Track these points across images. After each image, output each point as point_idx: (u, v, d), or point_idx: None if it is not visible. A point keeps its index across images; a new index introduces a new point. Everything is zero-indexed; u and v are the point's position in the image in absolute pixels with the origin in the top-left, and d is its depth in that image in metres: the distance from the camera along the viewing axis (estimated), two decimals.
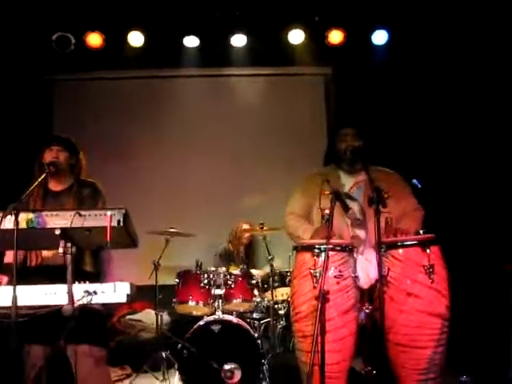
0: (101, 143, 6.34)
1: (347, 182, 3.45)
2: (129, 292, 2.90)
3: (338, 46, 6.25)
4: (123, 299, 2.88)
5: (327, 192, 3.07)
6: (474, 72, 5.87)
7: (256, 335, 4.83)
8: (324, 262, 2.74)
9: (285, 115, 6.66)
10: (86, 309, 2.81)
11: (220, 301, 4.78)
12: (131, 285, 2.95)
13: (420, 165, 5.64)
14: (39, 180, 3.19)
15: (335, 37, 6.17)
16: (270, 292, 4.99)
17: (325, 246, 2.81)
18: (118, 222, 2.77)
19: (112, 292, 2.85)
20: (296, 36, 6.21)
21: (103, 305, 3.02)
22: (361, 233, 3.27)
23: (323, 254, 2.85)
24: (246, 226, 5.81)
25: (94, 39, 6.09)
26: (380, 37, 6.26)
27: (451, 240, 4.80)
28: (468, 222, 5.44)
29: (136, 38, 6.19)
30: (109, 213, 2.76)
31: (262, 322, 5.19)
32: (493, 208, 4.66)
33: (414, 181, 4.50)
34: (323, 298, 2.65)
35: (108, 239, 2.72)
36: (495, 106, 5.78)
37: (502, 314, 4.60)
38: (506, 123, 5.63)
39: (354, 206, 3.28)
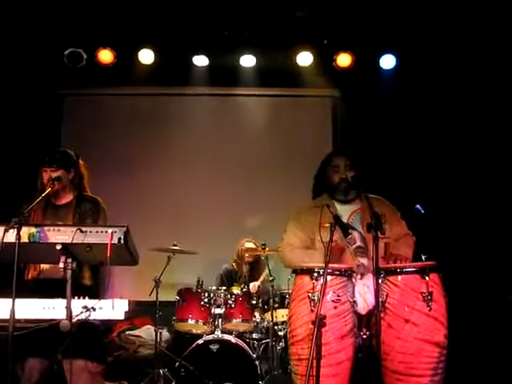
0: (108, 159, 6.42)
1: (344, 212, 3.40)
2: (127, 309, 2.92)
3: (346, 70, 6.30)
4: (121, 316, 2.89)
5: (327, 225, 3.08)
6: (479, 99, 5.88)
7: (254, 356, 4.84)
8: (322, 286, 2.74)
9: (291, 136, 6.68)
10: (84, 324, 2.82)
11: (220, 320, 4.81)
12: (129, 302, 2.96)
13: (425, 190, 5.66)
14: (43, 195, 3.23)
15: (343, 60, 6.23)
16: (270, 313, 4.97)
17: (323, 270, 2.81)
18: (119, 239, 2.78)
19: (110, 308, 2.87)
20: (304, 58, 6.27)
21: (101, 321, 3.03)
22: (364, 260, 3.24)
23: (322, 278, 2.84)
24: (248, 244, 5.81)
25: (106, 55, 6.18)
26: (388, 61, 6.30)
27: (456, 269, 4.84)
28: (473, 251, 5.41)
29: (146, 56, 6.26)
30: (110, 230, 2.78)
31: (261, 342, 5.17)
32: (498, 238, 4.65)
33: (418, 206, 4.51)
34: (320, 322, 2.64)
35: (108, 256, 2.74)
36: (501, 132, 5.78)
37: (504, 345, 4.57)
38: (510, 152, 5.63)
39: (355, 235, 3.27)
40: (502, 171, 5.62)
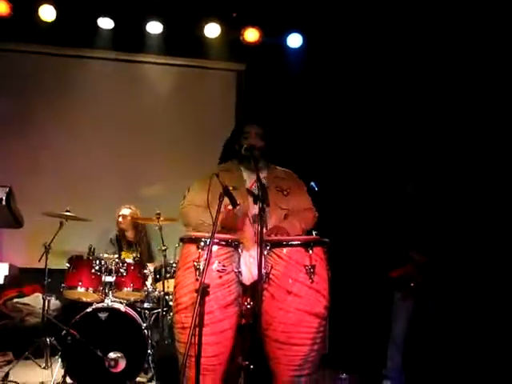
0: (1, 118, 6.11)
1: (248, 179, 3.45)
2: (7, 273, 2.82)
3: (253, 45, 6.32)
4: (0, 281, 2.78)
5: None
6: (382, 80, 6.07)
7: (144, 325, 4.82)
8: (207, 255, 2.77)
9: (195, 107, 6.65)
10: None
11: (110, 288, 4.74)
12: (11, 266, 2.87)
13: (321, 168, 5.82)
14: None
15: (251, 35, 6.24)
16: (161, 282, 4.96)
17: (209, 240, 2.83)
18: (0, 200, 2.68)
19: None
20: (212, 30, 6.23)
21: None
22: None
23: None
24: (123, 211, 5.76)
25: (0, 7, 5.80)
26: (295, 40, 6.38)
27: (343, 246, 5.04)
28: (359, 229, 5.65)
29: (47, 12, 5.96)
30: None
31: (152, 312, 5.15)
32: (382, 218, 4.87)
33: (312, 183, 4.63)
34: (203, 290, 2.68)
35: None
36: (396, 110, 5.97)
37: (382, 318, 4.83)
38: (403, 126, 5.85)
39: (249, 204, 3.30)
40: (397, 152, 5.83)
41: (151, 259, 5.68)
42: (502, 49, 4.94)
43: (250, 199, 3.29)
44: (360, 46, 6.09)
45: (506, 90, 4.92)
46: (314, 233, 3.63)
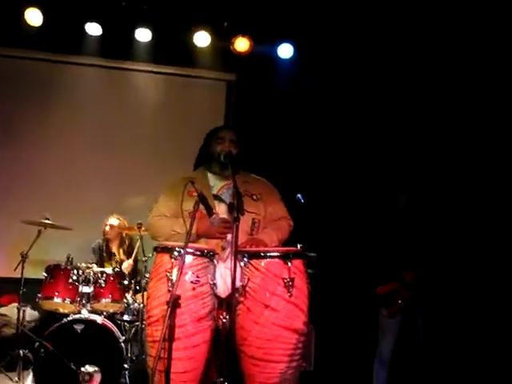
0: None
1: (216, 184, 3.33)
2: None
3: (243, 55, 6.21)
4: None
5: (195, 194, 2.97)
6: (371, 95, 6.00)
7: (123, 338, 4.67)
8: (180, 266, 2.64)
9: (183, 117, 6.51)
10: None
11: (88, 299, 4.60)
12: None
13: (309, 180, 5.72)
14: None
15: (241, 44, 6.10)
16: (141, 294, 4.82)
17: (183, 250, 2.70)
18: None
19: None
20: (202, 38, 6.08)
21: None
22: (228, 235, 3.13)
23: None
24: (111, 221, 5.62)
25: None
26: (286, 50, 6.28)
27: (332, 260, 4.91)
28: (348, 243, 5.53)
29: (34, 16, 5.81)
30: None
31: (132, 324, 5.00)
32: (372, 233, 4.76)
33: (298, 195, 4.51)
34: (174, 302, 2.54)
35: None
36: (388, 120, 5.90)
37: (369, 334, 4.70)
38: (395, 137, 5.79)
39: (222, 208, 3.20)
40: (390, 164, 5.74)
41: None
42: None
43: (218, 205, 3.21)
44: (352, 57, 6.02)
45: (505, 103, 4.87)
46: (299, 245, 3.50)
